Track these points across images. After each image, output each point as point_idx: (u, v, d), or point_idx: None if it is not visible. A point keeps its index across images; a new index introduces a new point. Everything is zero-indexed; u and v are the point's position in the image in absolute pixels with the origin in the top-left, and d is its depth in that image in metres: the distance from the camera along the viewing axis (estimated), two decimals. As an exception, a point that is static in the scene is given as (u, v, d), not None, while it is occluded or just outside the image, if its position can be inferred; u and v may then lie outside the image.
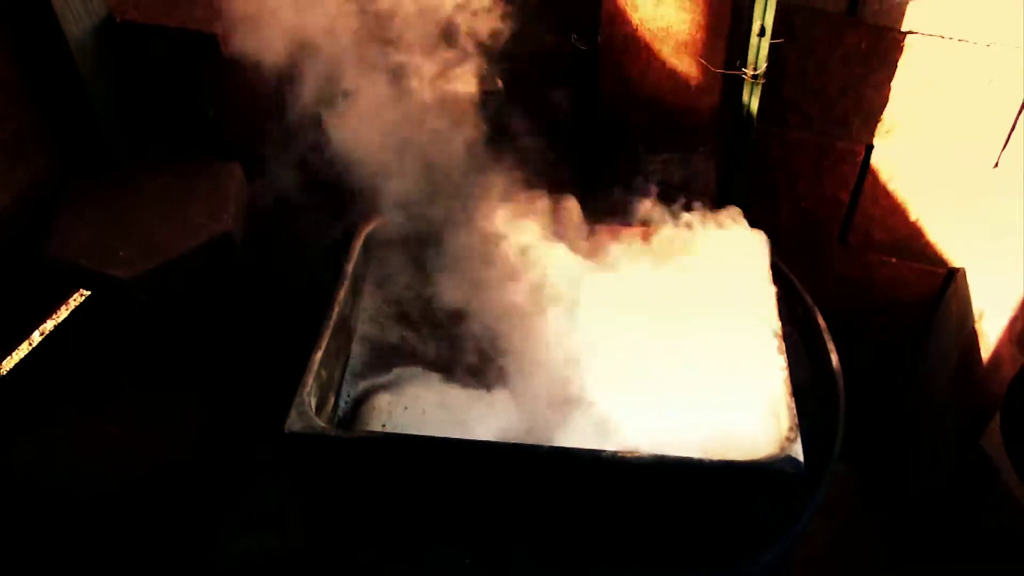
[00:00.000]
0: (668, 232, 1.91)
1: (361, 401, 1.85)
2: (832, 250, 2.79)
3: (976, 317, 2.35)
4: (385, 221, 2.02)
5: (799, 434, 1.57)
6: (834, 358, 1.85)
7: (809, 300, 1.97)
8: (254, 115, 2.48)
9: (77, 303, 2.46)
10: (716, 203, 2.18)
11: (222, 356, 2.37)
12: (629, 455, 1.51)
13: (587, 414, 1.73)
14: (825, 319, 2.11)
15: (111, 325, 2.31)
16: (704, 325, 1.77)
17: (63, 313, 2.50)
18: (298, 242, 2.46)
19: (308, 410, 1.62)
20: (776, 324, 1.76)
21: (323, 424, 1.61)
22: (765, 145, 2.64)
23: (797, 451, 1.54)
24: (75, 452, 2.35)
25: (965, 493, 2.14)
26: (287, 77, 2.21)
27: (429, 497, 1.62)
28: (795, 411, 1.60)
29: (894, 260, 2.73)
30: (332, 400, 1.81)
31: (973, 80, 2.32)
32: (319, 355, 1.74)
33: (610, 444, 1.68)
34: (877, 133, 2.53)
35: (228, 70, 2.31)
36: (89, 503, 2.29)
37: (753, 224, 2.13)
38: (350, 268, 1.92)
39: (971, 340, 2.36)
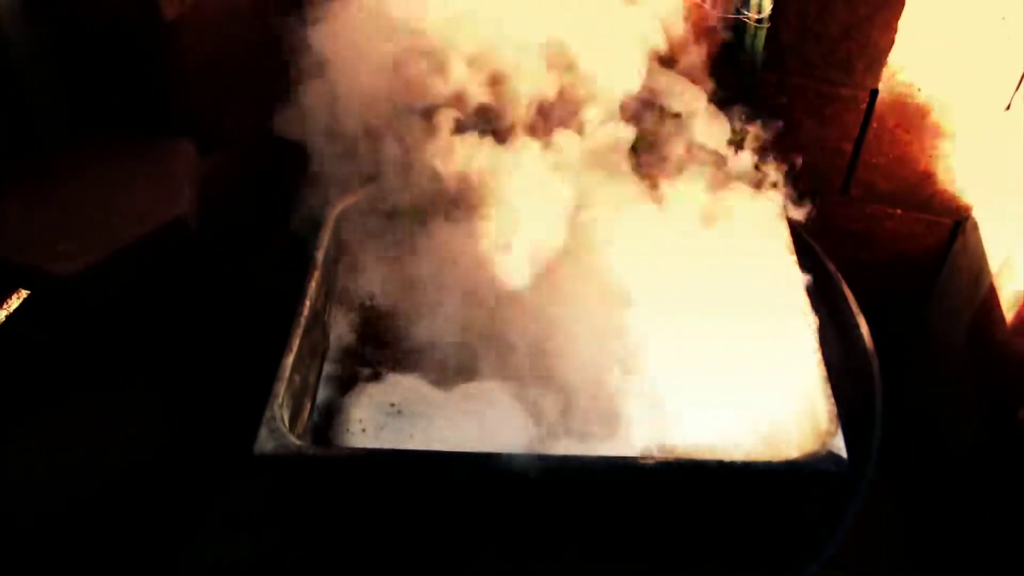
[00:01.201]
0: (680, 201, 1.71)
1: (340, 408, 1.65)
2: (833, 203, 2.62)
3: (995, 271, 2.19)
4: (358, 200, 1.81)
5: (839, 427, 1.39)
6: (865, 333, 1.68)
7: (832, 267, 1.80)
8: (209, 84, 2.25)
9: (14, 306, 2.21)
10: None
11: (186, 352, 2.15)
12: (642, 460, 1.34)
13: (596, 410, 1.55)
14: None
15: (58, 326, 2.07)
16: (723, 305, 1.59)
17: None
18: (263, 227, 2.24)
19: (281, 426, 1.42)
20: (803, 299, 1.58)
21: (298, 442, 1.41)
22: (762, 93, 2.45)
23: (839, 446, 1.37)
24: (28, 461, 2.12)
25: (996, 472, 1.99)
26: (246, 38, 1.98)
27: (425, 516, 1.44)
28: (833, 400, 1.43)
29: (899, 211, 2.58)
30: (308, 407, 1.61)
31: (984, 18, 2.16)
32: (291, 359, 1.53)
33: (624, 443, 1.50)
34: (882, 77, 2.35)
35: (176, 34, 2.07)
36: (47, 513, 2.08)
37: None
38: (320, 256, 1.71)
39: (989, 297, 2.20)
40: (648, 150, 1.81)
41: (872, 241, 2.66)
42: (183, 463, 2.28)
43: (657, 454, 1.39)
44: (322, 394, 1.68)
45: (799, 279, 1.61)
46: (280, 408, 1.46)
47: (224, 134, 2.34)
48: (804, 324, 1.56)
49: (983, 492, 2.06)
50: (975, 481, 2.13)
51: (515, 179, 1.64)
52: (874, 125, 2.44)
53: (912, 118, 2.39)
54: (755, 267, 1.67)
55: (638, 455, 1.37)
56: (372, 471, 1.40)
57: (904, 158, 2.47)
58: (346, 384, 1.70)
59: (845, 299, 1.75)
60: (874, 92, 2.39)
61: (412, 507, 1.43)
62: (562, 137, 1.70)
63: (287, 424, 1.47)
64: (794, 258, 1.66)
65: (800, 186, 2.57)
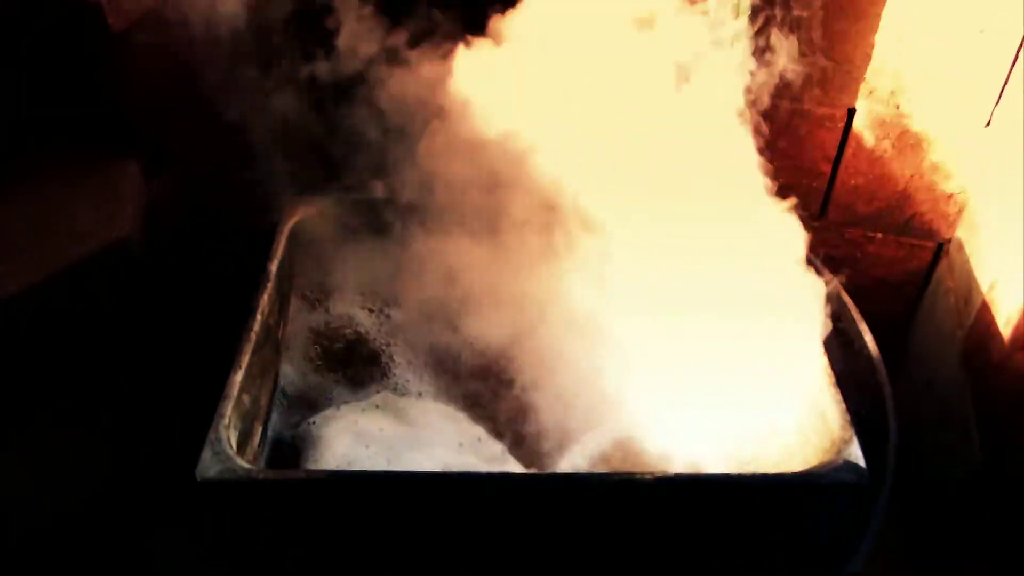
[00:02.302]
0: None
1: (296, 431, 1.48)
2: (810, 227, 2.52)
3: (986, 289, 2.10)
4: (316, 209, 1.66)
5: (854, 432, 1.26)
6: (869, 340, 1.56)
7: (828, 274, 1.68)
8: (159, 101, 2.12)
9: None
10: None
11: (128, 383, 1.97)
12: (639, 475, 1.19)
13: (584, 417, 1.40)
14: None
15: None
16: (723, 308, 1.47)
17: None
18: (215, 249, 2.09)
19: (227, 448, 1.26)
20: (812, 306, 1.46)
21: (246, 465, 1.24)
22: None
23: (856, 455, 1.24)
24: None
25: (997, 493, 1.86)
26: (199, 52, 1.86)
27: (394, 545, 1.27)
28: (844, 404, 1.30)
29: (879, 235, 2.50)
30: (259, 430, 1.44)
31: (962, 30, 2.11)
32: (239, 376, 1.37)
33: (614, 456, 1.35)
34: (860, 94, 2.28)
35: (124, 47, 1.94)
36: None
37: None
38: (274, 267, 1.57)
39: (982, 316, 2.11)
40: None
41: (852, 267, 2.58)
42: (127, 496, 2.10)
43: (654, 469, 1.23)
44: (276, 418, 1.51)
45: (806, 280, 1.49)
46: (227, 429, 1.29)
47: (174, 155, 2.20)
48: (809, 327, 1.43)
49: (982, 516, 1.94)
50: (975, 505, 2.01)
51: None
52: (852, 145, 2.37)
53: (891, 137, 2.32)
54: (762, 267, 1.55)
55: (634, 471, 1.21)
56: (332, 496, 1.23)
57: (883, 179, 2.40)
58: (302, 406, 1.53)
59: (845, 307, 1.63)
60: (851, 111, 2.32)
61: (380, 536, 1.25)
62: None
63: (234, 447, 1.30)
64: (805, 264, 1.54)
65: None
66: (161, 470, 2.01)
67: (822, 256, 2.55)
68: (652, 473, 1.22)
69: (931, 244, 2.47)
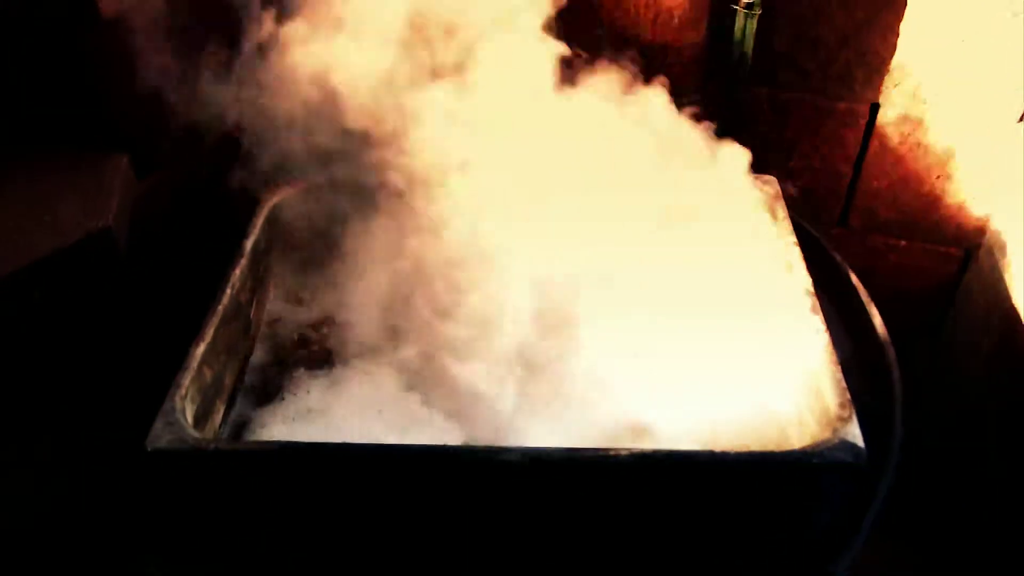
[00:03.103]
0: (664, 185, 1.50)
1: (263, 412, 1.40)
2: (829, 234, 2.41)
3: (1016, 296, 1.96)
4: (297, 190, 1.59)
5: (854, 412, 1.14)
6: (878, 322, 1.44)
7: (838, 258, 1.57)
8: (147, 94, 2.08)
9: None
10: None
11: (107, 374, 1.91)
12: (615, 452, 1.08)
13: (567, 399, 1.30)
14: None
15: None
16: (715, 289, 1.37)
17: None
18: (204, 246, 2.02)
19: (180, 419, 1.17)
20: (806, 280, 1.35)
21: (197, 435, 1.16)
22: (754, 108, 2.27)
23: (854, 433, 1.12)
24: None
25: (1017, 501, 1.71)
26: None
27: (353, 522, 1.17)
28: (844, 383, 1.18)
29: (903, 243, 2.36)
30: (221, 410, 1.35)
31: (993, 14, 1.98)
32: (201, 349, 1.29)
33: (598, 435, 1.24)
34: (883, 89, 2.17)
35: (112, 37, 1.90)
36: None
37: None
38: (249, 244, 1.49)
39: (1011, 324, 1.96)
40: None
41: (875, 277, 2.43)
42: (111, 486, 2.01)
43: (633, 445, 1.12)
44: (243, 404, 1.43)
45: (800, 261, 1.38)
46: (183, 400, 1.21)
47: (164, 148, 2.16)
48: (808, 307, 1.32)
49: (1010, 524, 1.79)
50: (1002, 513, 1.86)
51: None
52: (875, 143, 2.25)
53: (916, 134, 2.20)
54: (752, 250, 1.45)
55: (610, 447, 1.10)
56: (282, 468, 1.14)
57: (908, 180, 2.27)
58: (270, 392, 1.45)
59: (855, 291, 1.51)
60: (875, 106, 2.21)
61: (332, 508, 1.16)
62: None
63: (189, 419, 1.21)
64: (794, 238, 1.44)
65: (794, 211, 2.37)
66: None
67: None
68: (628, 449, 1.11)
69: (958, 251, 2.33)
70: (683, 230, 1.44)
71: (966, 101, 2.10)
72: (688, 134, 1.53)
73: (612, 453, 1.10)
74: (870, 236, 2.38)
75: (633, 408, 1.29)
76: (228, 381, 1.40)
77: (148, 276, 2.07)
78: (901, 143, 2.21)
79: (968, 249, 2.31)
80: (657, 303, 1.37)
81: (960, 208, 2.27)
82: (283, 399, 1.43)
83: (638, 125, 1.52)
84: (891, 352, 1.40)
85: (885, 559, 1.97)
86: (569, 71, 1.59)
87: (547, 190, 1.46)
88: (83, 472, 1.96)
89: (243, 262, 1.46)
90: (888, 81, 2.14)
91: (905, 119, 2.18)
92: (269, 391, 1.45)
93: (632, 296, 1.38)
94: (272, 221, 1.58)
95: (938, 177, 2.23)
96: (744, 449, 1.13)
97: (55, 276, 1.94)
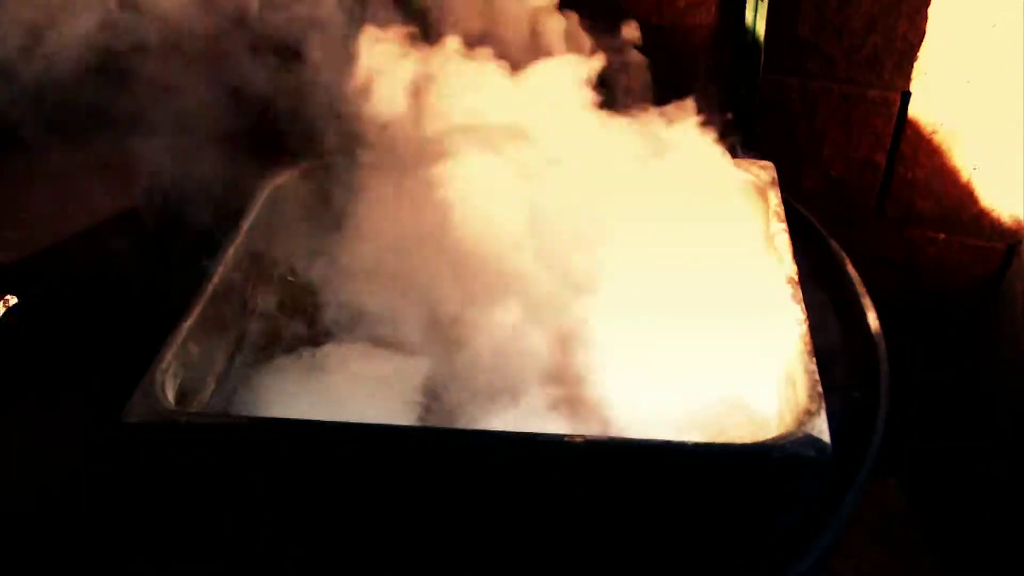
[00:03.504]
0: (655, 167, 1.48)
1: (260, 389, 1.43)
2: (867, 227, 2.34)
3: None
4: (299, 171, 1.62)
5: (823, 405, 1.11)
6: (871, 316, 1.40)
7: (835, 245, 1.53)
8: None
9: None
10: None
11: (128, 355, 1.96)
12: (569, 439, 1.07)
13: (540, 384, 1.30)
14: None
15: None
16: (697, 273, 1.34)
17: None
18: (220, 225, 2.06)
19: (158, 391, 1.20)
20: (791, 268, 1.32)
21: (172, 408, 1.19)
22: (780, 98, 2.22)
23: (820, 428, 1.09)
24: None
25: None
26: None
27: (316, 495, 1.19)
28: (816, 375, 1.15)
29: (942, 236, 2.28)
30: (211, 385, 1.39)
31: (1027, 0, 1.89)
32: (188, 324, 1.32)
33: (564, 425, 1.24)
34: (914, 76, 2.10)
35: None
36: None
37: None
38: (246, 225, 1.52)
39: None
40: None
41: (913, 271, 2.37)
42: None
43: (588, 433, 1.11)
44: (239, 380, 1.46)
45: (786, 247, 1.35)
46: (164, 373, 1.24)
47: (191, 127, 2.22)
48: (789, 296, 1.29)
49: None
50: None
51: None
52: (908, 133, 2.17)
53: (950, 124, 2.12)
54: (738, 234, 1.43)
55: (564, 432, 1.10)
56: (258, 443, 1.17)
57: (945, 171, 2.19)
58: (267, 369, 1.48)
59: (850, 281, 1.47)
60: (906, 94, 2.14)
61: (302, 484, 1.18)
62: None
63: (171, 395, 1.25)
64: (783, 225, 1.40)
65: (828, 206, 2.32)
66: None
67: (876, 259, 2.37)
68: (583, 436, 1.10)
69: (1000, 245, 2.24)
70: (666, 215, 1.42)
71: (1000, 89, 2.02)
72: (683, 119, 1.50)
73: (567, 439, 1.09)
74: (907, 229, 2.31)
75: (601, 403, 1.28)
76: (220, 357, 1.43)
77: (175, 255, 2.12)
78: (934, 132, 2.14)
79: (1010, 244, 2.22)
80: (632, 290, 1.36)
81: (1000, 201, 2.18)
82: (281, 376, 1.46)
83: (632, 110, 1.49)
84: (882, 345, 1.36)
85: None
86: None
87: (541, 174, 1.46)
88: (100, 447, 2.02)
89: (238, 240, 1.49)
90: (918, 68, 2.06)
91: (937, 107, 2.10)
92: (267, 368, 1.48)
93: (608, 282, 1.37)
94: (273, 201, 1.60)
95: (975, 168, 2.15)
96: (706, 441, 1.11)
97: (84, 254, 2.02)
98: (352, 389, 1.38)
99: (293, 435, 1.18)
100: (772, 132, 2.26)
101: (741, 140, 1.87)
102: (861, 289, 1.45)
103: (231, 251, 1.47)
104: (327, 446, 1.16)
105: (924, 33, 2.02)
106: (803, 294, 1.37)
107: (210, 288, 1.41)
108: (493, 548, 1.15)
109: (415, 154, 1.47)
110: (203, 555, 1.23)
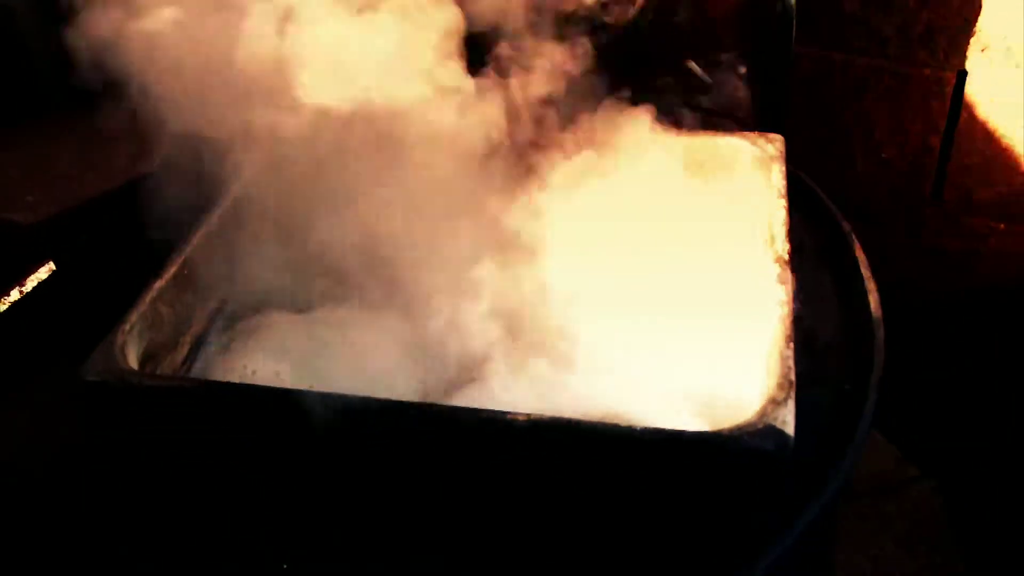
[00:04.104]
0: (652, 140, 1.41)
1: (240, 352, 1.41)
2: (923, 214, 2.20)
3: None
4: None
5: (792, 395, 1.02)
6: (873, 300, 1.29)
7: (846, 226, 1.42)
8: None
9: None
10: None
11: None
12: (511, 416, 1.01)
13: (513, 364, 1.24)
14: (918, 305, 1.56)
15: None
16: (686, 252, 1.27)
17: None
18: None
19: (117, 351, 1.19)
20: (782, 247, 1.22)
21: (129, 368, 1.17)
22: (825, 76, 2.10)
23: (785, 419, 1.00)
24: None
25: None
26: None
27: (268, 460, 1.16)
28: (791, 360, 1.06)
29: (1002, 226, 2.12)
30: (186, 345, 1.37)
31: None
32: (157, 285, 1.31)
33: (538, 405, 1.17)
34: (970, 53, 1.95)
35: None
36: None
37: (820, 181, 1.61)
38: (235, 191, 1.50)
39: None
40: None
41: (974, 263, 2.21)
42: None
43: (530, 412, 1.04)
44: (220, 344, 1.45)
45: (781, 225, 1.26)
46: (126, 334, 1.23)
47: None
48: (775, 277, 1.20)
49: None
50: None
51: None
52: (964, 115, 2.03)
53: (1010, 106, 1.96)
54: (732, 213, 1.34)
55: (506, 409, 1.04)
56: (211, 407, 1.14)
57: (1003, 157, 2.04)
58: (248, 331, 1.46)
59: (855, 263, 1.37)
60: (962, 73, 1.99)
61: (254, 449, 1.15)
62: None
63: (136, 356, 1.23)
64: (783, 202, 1.30)
65: (880, 192, 2.19)
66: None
67: (932, 249, 2.22)
68: (527, 415, 1.04)
69: (1067, 236, 2.07)
70: (662, 189, 1.34)
71: (1064, 66, 1.86)
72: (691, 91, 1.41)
73: (510, 416, 1.03)
74: (965, 218, 2.16)
75: (577, 389, 1.22)
76: (198, 316, 1.41)
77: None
78: (993, 115, 1.98)
79: (1079, 235, 2.06)
80: (620, 271, 1.29)
81: (1067, 187, 2.02)
82: (261, 340, 1.44)
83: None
84: (879, 334, 1.25)
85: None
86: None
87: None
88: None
89: (227, 203, 1.47)
90: (975, 45, 1.92)
91: (996, 88, 1.95)
92: (248, 330, 1.46)
93: (596, 260, 1.30)
94: (266, 164, 1.57)
95: (1039, 152, 1.99)
96: (654, 426, 1.03)
97: (101, 216, 2.04)
98: (334, 354, 1.35)
99: (242, 399, 1.16)
100: (817, 112, 2.13)
101: (771, 117, 1.77)
102: (867, 272, 1.34)
103: (216, 213, 1.45)
104: (271, 411, 1.13)
105: (981, 7, 1.87)
106: (805, 275, 1.28)
107: (186, 249, 1.39)
108: (441, 523, 1.09)
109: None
110: (162, 518, 1.21)
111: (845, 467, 1.09)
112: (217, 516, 1.21)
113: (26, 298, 2.00)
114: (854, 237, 1.41)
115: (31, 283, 2.02)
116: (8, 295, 2.05)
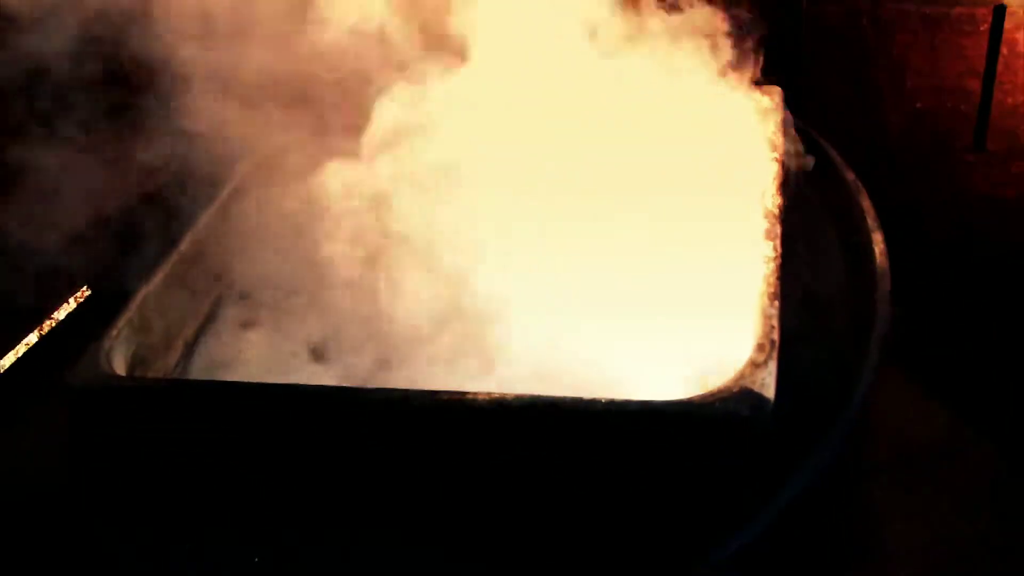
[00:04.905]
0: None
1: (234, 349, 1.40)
2: (964, 163, 2.06)
3: None
4: (270, 156, 1.58)
5: (774, 355, 0.95)
6: (878, 251, 1.20)
7: (851, 178, 1.32)
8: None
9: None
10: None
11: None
12: (472, 396, 0.96)
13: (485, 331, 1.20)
14: (977, 261, 1.46)
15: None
16: (678, 207, 1.20)
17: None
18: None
19: (103, 357, 1.19)
20: (771, 201, 1.15)
21: (112, 371, 1.17)
22: (851, 24, 1.99)
23: (763, 381, 0.93)
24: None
25: None
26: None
27: (249, 466, 1.14)
28: (774, 319, 0.98)
29: (1057, 168, 1.97)
30: (179, 348, 1.37)
31: None
32: (143, 292, 1.32)
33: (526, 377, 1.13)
34: (1005, -15, 1.81)
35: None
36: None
37: (853, 136, 1.51)
38: (225, 194, 1.49)
39: None
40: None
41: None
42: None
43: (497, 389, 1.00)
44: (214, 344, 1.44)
45: (773, 178, 1.18)
46: (113, 339, 1.23)
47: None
48: (764, 233, 1.12)
49: None
50: None
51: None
52: (1004, 52, 1.89)
53: (1053, 37, 1.82)
54: (725, 167, 1.26)
55: (467, 390, 0.99)
56: (195, 406, 1.14)
57: (1050, 93, 1.89)
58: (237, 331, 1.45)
59: (863, 215, 1.27)
60: (999, 8, 1.85)
61: (232, 444, 1.14)
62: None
63: (124, 362, 1.24)
64: (776, 155, 1.22)
65: (919, 143, 2.06)
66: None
67: (980, 199, 2.08)
68: (488, 393, 0.99)
69: (1126, 177, 1.91)
70: (655, 144, 1.27)
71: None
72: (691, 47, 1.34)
73: (469, 396, 0.99)
74: (1013, 162, 2.02)
75: (555, 352, 1.16)
76: (190, 320, 1.41)
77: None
78: (1035, 49, 1.84)
79: None
80: (607, 226, 1.23)
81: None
82: (252, 337, 1.43)
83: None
84: (885, 285, 1.15)
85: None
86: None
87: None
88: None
89: (212, 210, 1.47)
90: (1007, -26, 1.78)
91: (1035, 19, 1.81)
92: (240, 329, 1.45)
93: (584, 217, 1.24)
94: (253, 176, 1.57)
95: (1087, 86, 1.84)
96: (621, 398, 0.97)
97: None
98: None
99: (219, 397, 1.15)
100: (843, 65, 2.02)
101: (787, 67, 1.67)
102: (873, 223, 1.24)
103: (203, 219, 1.44)
104: (241, 407, 1.11)
105: (1010, -68, 1.74)
106: (810, 230, 1.20)
107: (175, 256, 1.39)
108: (412, 504, 1.05)
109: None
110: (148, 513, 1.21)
111: (840, 426, 1.01)
112: (205, 510, 1.20)
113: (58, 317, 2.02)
114: (860, 187, 1.31)
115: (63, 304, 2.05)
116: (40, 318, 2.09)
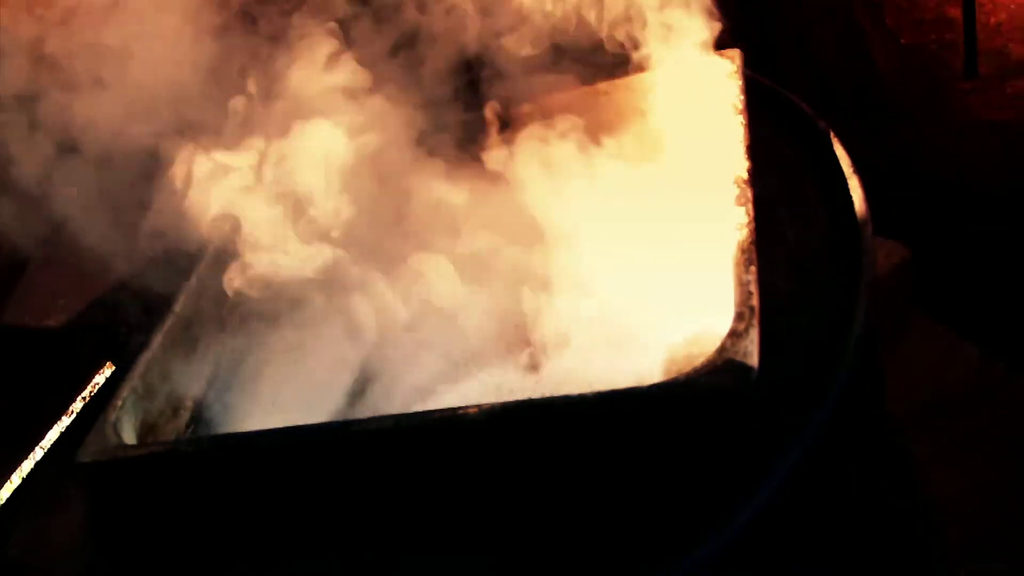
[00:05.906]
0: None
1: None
2: (958, 91, 2.02)
3: None
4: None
5: (754, 322, 0.93)
6: (857, 198, 1.17)
7: (821, 126, 1.29)
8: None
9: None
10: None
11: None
12: (463, 412, 0.96)
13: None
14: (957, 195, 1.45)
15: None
16: (647, 181, 1.19)
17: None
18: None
19: (109, 429, 1.21)
20: (741, 166, 1.12)
21: (119, 441, 1.18)
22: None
23: (747, 350, 0.91)
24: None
25: None
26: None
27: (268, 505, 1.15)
28: (751, 286, 0.96)
29: (1054, 78, 1.92)
30: (188, 407, 1.38)
31: None
32: (145, 358, 1.32)
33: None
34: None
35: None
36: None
37: (842, 82, 1.49)
38: (212, 250, 1.50)
39: None
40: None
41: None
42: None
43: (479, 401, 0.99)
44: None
45: (742, 143, 1.16)
46: (119, 410, 1.24)
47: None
48: (735, 199, 1.10)
49: None
50: None
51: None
52: (979, -27, 1.84)
53: (1024, -52, 1.78)
54: (692, 132, 1.24)
55: (459, 406, 0.98)
56: (207, 464, 1.15)
57: (1033, 5, 1.84)
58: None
59: (837, 165, 1.24)
60: (963, -72, 1.81)
61: (252, 498, 1.15)
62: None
63: (132, 432, 1.25)
64: (740, 119, 1.20)
65: (911, 80, 2.02)
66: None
67: (979, 126, 2.03)
68: (477, 406, 0.98)
69: None
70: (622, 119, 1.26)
71: None
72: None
73: (460, 412, 0.98)
74: (1008, 82, 1.97)
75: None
76: (199, 379, 1.42)
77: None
78: (1008, -37, 1.80)
79: None
80: (573, 199, 1.22)
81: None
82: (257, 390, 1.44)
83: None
84: (868, 232, 1.12)
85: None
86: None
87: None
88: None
89: (202, 266, 1.47)
90: None
91: (1003, -67, 1.77)
92: (243, 384, 1.46)
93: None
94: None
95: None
96: (604, 389, 0.96)
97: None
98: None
99: (223, 449, 1.16)
100: (822, 11, 1.99)
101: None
102: (848, 170, 1.21)
103: (193, 280, 1.45)
104: (247, 455, 1.12)
105: None
106: (789, 188, 1.18)
107: (171, 318, 1.39)
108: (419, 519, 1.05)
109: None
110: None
111: (835, 387, 0.98)
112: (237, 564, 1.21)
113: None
114: (831, 135, 1.28)
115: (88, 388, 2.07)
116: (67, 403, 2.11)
